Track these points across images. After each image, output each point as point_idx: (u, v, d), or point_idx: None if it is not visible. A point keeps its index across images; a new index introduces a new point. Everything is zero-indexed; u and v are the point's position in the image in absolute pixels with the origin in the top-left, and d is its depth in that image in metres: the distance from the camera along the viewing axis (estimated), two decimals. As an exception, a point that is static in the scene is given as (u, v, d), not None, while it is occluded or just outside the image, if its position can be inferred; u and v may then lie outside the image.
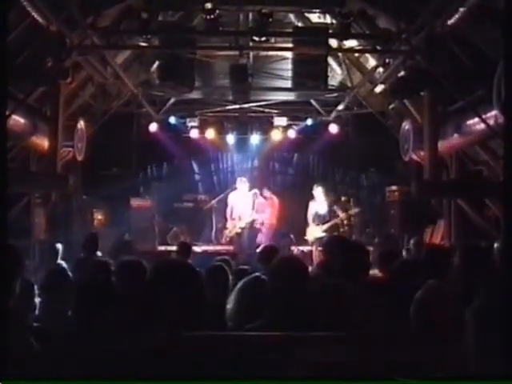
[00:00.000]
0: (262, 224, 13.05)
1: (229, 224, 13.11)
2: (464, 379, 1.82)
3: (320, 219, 12.30)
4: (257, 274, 3.58)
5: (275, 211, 13.52)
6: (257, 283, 3.37)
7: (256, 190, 13.28)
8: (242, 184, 13.13)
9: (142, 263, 4.28)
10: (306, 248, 12.69)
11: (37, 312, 4.43)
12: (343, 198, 13.89)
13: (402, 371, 2.02)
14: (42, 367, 2.43)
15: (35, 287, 4.53)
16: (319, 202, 12.44)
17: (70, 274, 5.06)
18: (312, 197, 12.57)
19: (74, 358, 2.49)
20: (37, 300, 4.55)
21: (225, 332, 3.10)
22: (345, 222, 12.83)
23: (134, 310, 2.92)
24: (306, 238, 12.59)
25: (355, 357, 0.98)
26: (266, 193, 13.68)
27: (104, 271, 5.24)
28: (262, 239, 12.74)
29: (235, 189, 13.27)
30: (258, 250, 7.79)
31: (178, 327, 2.53)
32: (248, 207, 12.88)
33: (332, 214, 12.52)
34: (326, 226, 12.23)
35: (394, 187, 13.25)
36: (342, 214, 12.67)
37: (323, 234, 11.76)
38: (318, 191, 12.45)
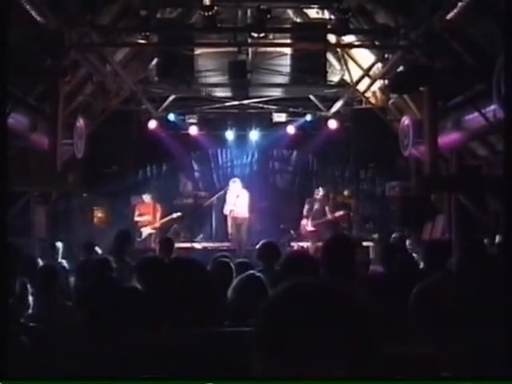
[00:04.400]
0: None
1: (229, 221, 13.22)
2: (464, 379, 1.82)
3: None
4: (251, 271, 3.57)
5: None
6: (253, 280, 3.34)
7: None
8: (234, 184, 13.33)
9: (164, 260, 4.28)
10: (305, 244, 12.73)
11: (30, 311, 4.40)
12: (345, 193, 13.94)
13: (403, 370, 2.01)
14: (40, 366, 2.43)
15: (28, 286, 4.51)
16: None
17: (61, 271, 5.03)
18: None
19: (73, 356, 2.49)
20: (30, 298, 4.51)
21: (226, 329, 3.09)
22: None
23: (147, 306, 2.90)
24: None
25: (356, 355, 0.97)
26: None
27: (105, 268, 5.25)
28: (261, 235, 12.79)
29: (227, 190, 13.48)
30: (256, 247, 7.78)
31: (190, 324, 2.52)
32: (242, 205, 12.97)
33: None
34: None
35: (393, 183, 13.26)
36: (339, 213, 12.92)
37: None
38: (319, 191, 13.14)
